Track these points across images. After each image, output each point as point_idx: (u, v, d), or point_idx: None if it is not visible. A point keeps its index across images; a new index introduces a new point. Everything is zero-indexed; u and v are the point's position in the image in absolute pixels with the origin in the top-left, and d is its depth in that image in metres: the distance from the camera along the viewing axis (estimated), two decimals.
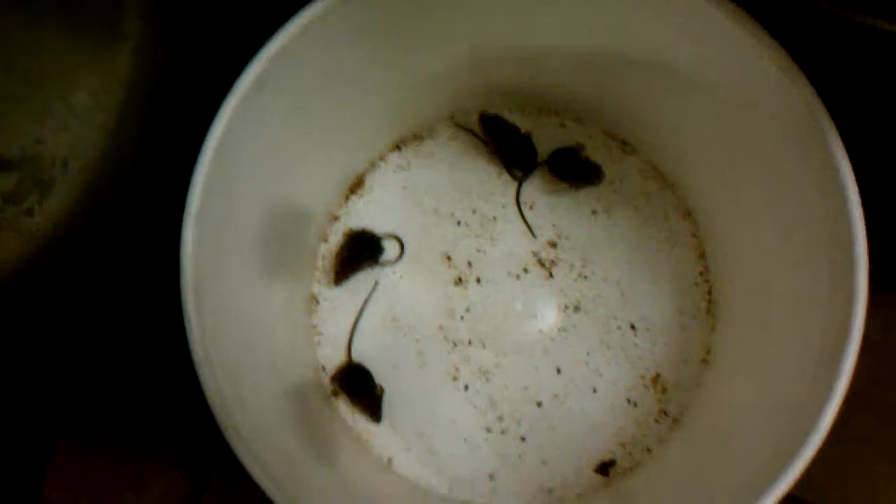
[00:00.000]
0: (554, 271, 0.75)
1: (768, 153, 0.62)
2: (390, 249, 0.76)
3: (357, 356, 0.75)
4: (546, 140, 0.77)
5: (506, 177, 0.77)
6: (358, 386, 0.73)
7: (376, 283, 0.76)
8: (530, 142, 0.77)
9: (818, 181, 0.57)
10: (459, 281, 0.76)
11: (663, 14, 0.61)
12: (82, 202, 0.54)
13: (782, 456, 0.54)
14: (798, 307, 0.61)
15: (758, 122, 0.62)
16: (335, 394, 0.74)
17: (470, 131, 0.77)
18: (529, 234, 0.76)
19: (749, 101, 0.61)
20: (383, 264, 0.75)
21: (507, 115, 0.78)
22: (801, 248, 0.61)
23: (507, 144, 0.76)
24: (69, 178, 0.53)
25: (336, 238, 0.77)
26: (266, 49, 0.59)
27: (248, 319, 0.65)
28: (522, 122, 0.78)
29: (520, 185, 0.76)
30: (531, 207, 0.76)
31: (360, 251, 0.74)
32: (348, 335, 0.75)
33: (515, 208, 0.76)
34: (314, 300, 0.76)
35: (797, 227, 0.61)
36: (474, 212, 0.77)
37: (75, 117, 0.52)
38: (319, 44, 0.61)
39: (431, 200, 0.77)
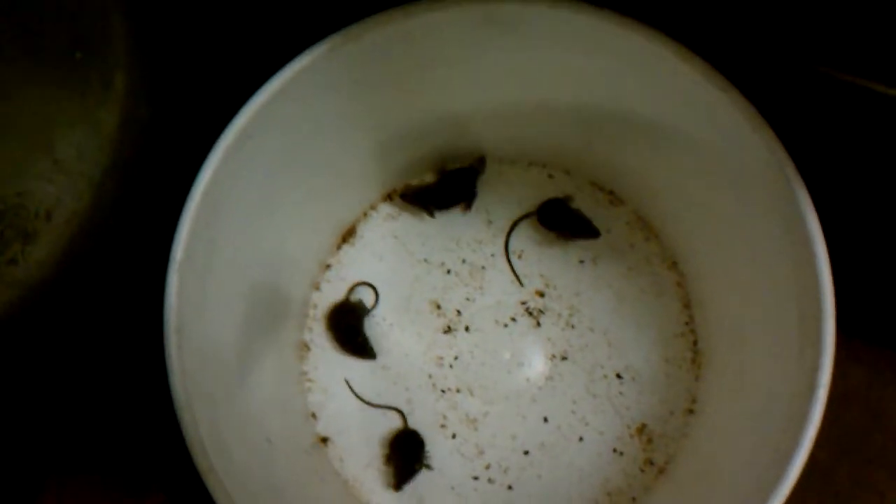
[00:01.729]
0: (542, 320, 0.76)
1: (742, 206, 0.63)
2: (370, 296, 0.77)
3: (349, 405, 0.76)
4: (534, 191, 0.78)
5: (494, 226, 0.78)
6: (409, 454, 0.74)
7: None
8: (457, 174, 0.78)
9: (787, 234, 0.57)
10: (448, 329, 0.76)
11: (642, 74, 0.62)
12: (66, 252, 0.55)
13: (759, 501, 0.54)
14: (772, 358, 0.61)
15: (731, 176, 0.62)
16: (324, 441, 0.75)
17: (413, 202, 0.79)
18: (518, 283, 0.76)
19: (723, 155, 0.62)
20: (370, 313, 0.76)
21: (496, 165, 0.79)
22: (774, 300, 0.61)
23: (441, 197, 0.78)
24: (53, 228, 0.54)
25: (329, 287, 0.78)
26: (251, 102, 0.60)
27: (234, 365, 0.66)
28: (508, 172, 0.79)
29: (509, 234, 0.77)
30: (519, 256, 0.77)
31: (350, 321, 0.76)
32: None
33: (504, 257, 0.77)
34: (305, 347, 0.77)
35: (770, 280, 0.62)
36: (463, 261, 0.77)
37: (59, 170, 0.53)
38: (304, 97, 0.62)
39: (421, 249, 0.78)
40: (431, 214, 0.78)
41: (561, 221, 0.77)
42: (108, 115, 0.55)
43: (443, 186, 0.78)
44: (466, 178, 0.77)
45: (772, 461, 0.56)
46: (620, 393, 0.74)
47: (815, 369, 0.54)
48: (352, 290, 0.77)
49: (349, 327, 0.76)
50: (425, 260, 0.78)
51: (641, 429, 0.74)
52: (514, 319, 0.76)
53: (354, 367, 0.76)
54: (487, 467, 0.74)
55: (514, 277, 0.77)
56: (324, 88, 0.63)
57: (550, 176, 0.79)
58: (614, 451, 0.74)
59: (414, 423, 0.75)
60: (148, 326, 0.59)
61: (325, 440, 0.75)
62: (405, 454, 0.74)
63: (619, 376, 0.75)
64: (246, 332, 0.68)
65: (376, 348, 0.76)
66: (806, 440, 0.54)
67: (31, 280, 0.54)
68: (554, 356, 0.75)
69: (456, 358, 0.76)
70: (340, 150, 0.71)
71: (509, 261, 0.77)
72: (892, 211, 0.66)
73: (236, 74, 0.63)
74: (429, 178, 0.79)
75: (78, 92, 0.54)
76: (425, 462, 0.73)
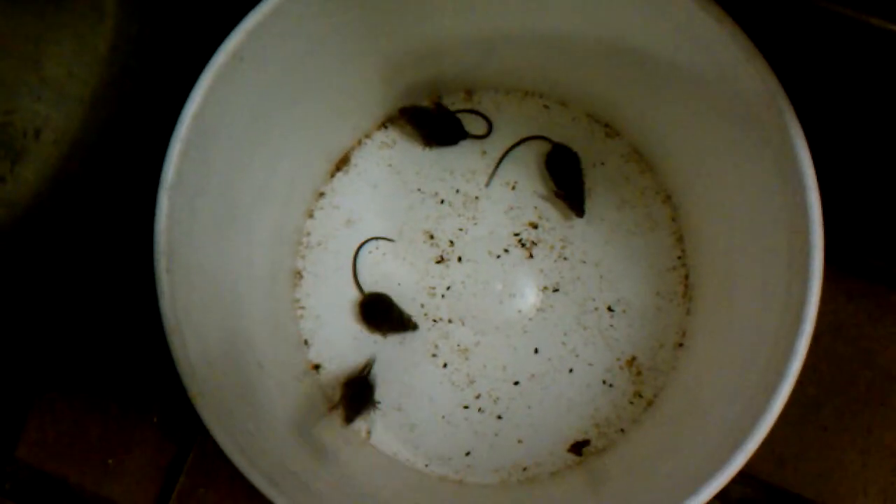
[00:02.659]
0: (534, 252, 0.76)
1: (735, 139, 0.62)
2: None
3: (341, 332, 0.76)
4: (530, 122, 0.78)
5: (489, 157, 0.77)
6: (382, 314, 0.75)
7: (357, 252, 0.77)
8: (452, 116, 0.77)
9: (778, 167, 0.57)
10: (441, 259, 0.76)
11: (639, 4, 0.61)
12: (55, 172, 0.55)
13: (741, 433, 0.55)
14: (761, 292, 0.61)
15: (725, 109, 0.62)
16: (316, 368, 0.75)
17: (410, 120, 0.78)
18: (510, 214, 0.76)
19: (718, 87, 0.61)
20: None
21: (491, 94, 0.78)
22: (765, 234, 0.61)
23: (431, 127, 0.77)
24: (42, 147, 0.53)
25: (322, 214, 0.77)
26: (243, 23, 0.59)
27: (225, 290, 0.66)
28: (504, 102, 0.78)
29: (506, 152, 0.78)
30: (513, 188, 0.77)
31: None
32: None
33: (496, 185, 0.77)
34: (298, 274, 0.77)
35: (761, 212, 0.61)
36: (457, 191, 0.77)
37: (48, 89, 0.52)
38: (298, 18, 0.61)
39: (415, 179, 0.78)
40: (425, 142, 0.77)
41: (564, 177, 0.76)
42: (98, 34, 0.54)
43: (439, 122, 0.77)
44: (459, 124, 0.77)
45: (757, 395, 0.56)
46: (611, 325, 0.75)
47: (801, 304, 0.54)
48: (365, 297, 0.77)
49: (383, 312, 0.76)
50: (419, 189, 0.77)
51: (631, 361, 0.74)
52: (506, 251, 0.76)
53: (347, 296, 0.76)
54: (478, 397, 0.75)
55: (508, 209, 0.77)
56: (319, 9, 0.62)
57: (546, 107, 0.78)
58: (604, 382, 0.74)
59: (406, 352, 0.75)
60: (139, 249, 0.59)
61: (317, 367, 0.75)
62: (355, 397, 0.74)
63: (610, 309, 0.75)
64: (237, 258, 0.68)
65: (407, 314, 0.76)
66: (791, 374, 0.54)
67: (20, 199, 0.54)
68: (546, 288, 0.76)
69: (448, 288, 0.76)
70: (335, 75, 0.70)
71: (497, 165, 0.77)
72: (885, 146, 0.65)
73: None
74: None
75: (67, 9, 0.53)
76: (375, 404, 0.74)
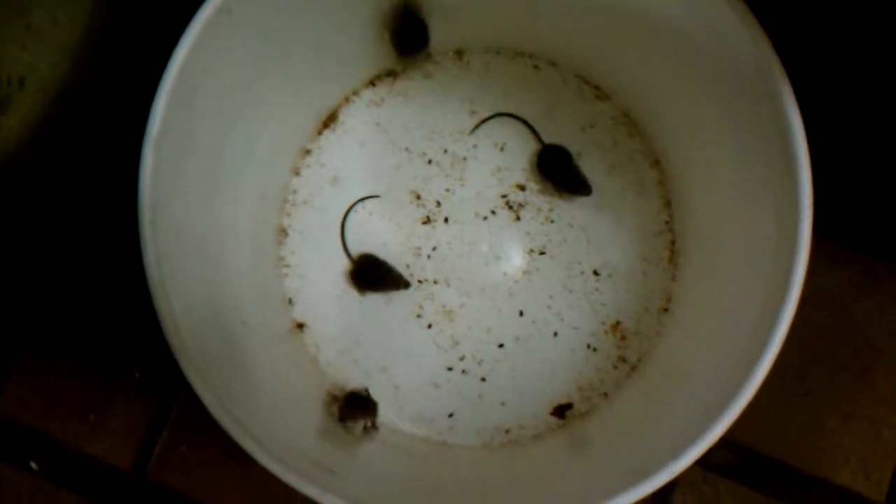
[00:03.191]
0: (521, 214, 0.76)
1: (727, 105, 0.62)
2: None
3: (326, 291, 0.76)
4: (519, 82, 0.77)
5: (477, 117, 0.77)
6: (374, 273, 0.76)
7: (346, 216, 0.76)
8: (422, 25, 0.73)
9: (770, 134, 0.57)
10: (427, 220, 0.76)
11: None
12: (40, 120, 0.54)
13: (724, 399, 0.55)
14: (748, 258, 0.61)
15: (718, 75, 0.61)
16: (300, 326, 0.75)
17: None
18: (497, 175, 0.76)
19: (711, 51, 0.61)
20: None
21: (481, 54, 0.77)
22: (753, 200, 0.61)
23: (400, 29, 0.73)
24: (26, 95, 0.53)
25: (309, 172, 0.77)
26: None
27: (210, 246, 0.66)
28: (494, 62, 0.78)
29: (485, 120, 0.77)
30: (501, 149, 0.76)
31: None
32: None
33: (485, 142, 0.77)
34: (283, 232, 0.76)
35: (749, 178, 0.61)
36: (445, 151, 0.77)
37: (33, 36, 0.51)
38: None
39: (403, 138, 0.77)
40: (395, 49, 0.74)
41: (561, 174, 0.76)
42: None
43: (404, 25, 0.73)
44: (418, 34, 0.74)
45: (741, 361, 0.56)
46: (596, 289, 0.75)
47: (788, 272, 0.54)
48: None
49: (376, 274, 0.76)
50: (406, 149, 0.77)
51: (616, 326, 0.74)
52: (493, 212, 0.76)
53: (333, 254, 0.76)
54: (462, 358, 0.75)
55: (495, 170, 0.76)
56: None
57: (536, 67, 0.77)
58: (588, 346, 0.74)
59: (391, 312, 0.75)
60: (123, 202, 0.58)
61: (301, 326, 0.75)
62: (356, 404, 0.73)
63: (595, 273, 0.75)
64: (223, 214, 0.68)
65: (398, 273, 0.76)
66: (775, 340, 0.54)
67: (4, 148, 0.53)
68: (532, 250, 0.75)
69: (434, 249, 0.76)
70: (324, 33, 0.69)
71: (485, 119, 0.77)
72: (876, 115, 0.65)
73: None
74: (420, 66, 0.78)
75: None
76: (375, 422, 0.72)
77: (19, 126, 0.53)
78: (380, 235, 0.76)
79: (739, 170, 0.63)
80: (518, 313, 0.75)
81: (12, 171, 0.54)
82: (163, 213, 0.58)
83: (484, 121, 0.77)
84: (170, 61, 0.58)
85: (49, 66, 0.53)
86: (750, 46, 0.56)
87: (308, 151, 0.77)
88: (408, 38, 0.73)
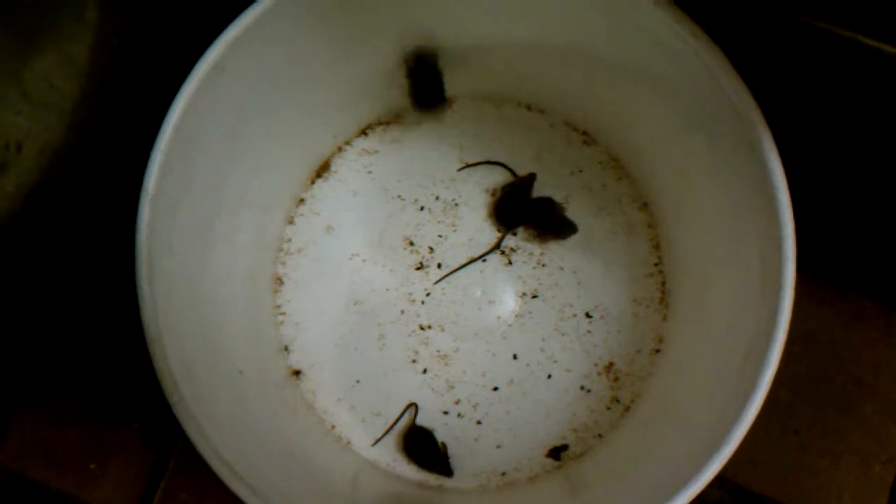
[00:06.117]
0: (513, 258, 0.77)
1: (710, 149, 0.63)
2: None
3: (322, 338, 0.77)
4: (509, 129, 0.78)
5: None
6: (423, 449, 0.75)
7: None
8: (438, 78, 0.75)
9: (751, 178, 0.58)
10: (421, 266, 0.77)
11: (615, 17, 0.61)
12: (38, 184, 0.55)
13: (717, 438, 0.56)
14: (735, 299, 0.62)
15: (700, 121, 0.62)
16: (296, 374, 0.75)
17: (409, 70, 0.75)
18: (489, 220, 0.77)
19: (692, 99, 0.62)
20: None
21: (470, 102, 0.79)
22: (738, 242, 0.62)
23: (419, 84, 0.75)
24: (24, 160, 0.53)
25: (303, 220, 0.78)
26: (225, 34, 0.59)
27: (206, 297, 0.66)
28: (484, 109, 0.79)
29: (477, 164, 0.78)
30: (493, 195, 0.77)
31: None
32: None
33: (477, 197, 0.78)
34: (278, 280, 0.77)
35: (734, 219, 0.62)
36: (437, 198, 0.78)
37: (29, 102, 0.52)
38: (278, 30, 0.61)
39: (395, 186, 0.78)
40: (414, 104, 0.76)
41: (546, 221, 0.77)
42: (79, 46, 0.54)
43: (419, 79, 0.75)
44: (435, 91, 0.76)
45: (732, 401, 0.57)
46: (589, 331, 0.75)
47: (774, 312, 0.55)
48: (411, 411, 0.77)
49: (425, 447, 0.76)
50: (399, 196, 0.78)
51: (609, 367, 0.75)
52: (485, 258, 0.77)
53: (328, 302, 0.77)
54: (457, 402, 0.75)
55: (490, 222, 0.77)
56: (299, 21, 0.62)
57: (525, 112, 0.78)
58: (581, 388, 0.75)
59: (386, 358, 0.76)
60: (120, 259, 0.59)
61: (297, 373, 0.76)
62: (420, 450, 0.75)
63: (587, 315, 0.76)
64: (218, 265, 0.68)
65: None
66: (764, 381, 0.55)
67: (2, 212, 0.54)
68: (524, 294, 0.76)
69: (428, 294, 0.77)
70: (316, 83, 0.70)
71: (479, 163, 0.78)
72: (855, 155, 0.66)
73: (209, 6, 0.62)
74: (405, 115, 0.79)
75: (48, 21, 0.53)
76: (441, 441, 0.75)
77: (16, 189, 0.54)
78: (374, 282, 0.77)
79: (725, 213, 0.64)
80: (512, 356, 0.75)
81: (10, 233, 0.55)
82: (158, 267, 0.59)
83: (470, 165, 0.78)
84: (164, 120, 0.59)
85: (45, 130, 0.54)
86: (730, 96, 0.57)
87: (302, 200, 0.78)
88: (427, 92, 0.75)
